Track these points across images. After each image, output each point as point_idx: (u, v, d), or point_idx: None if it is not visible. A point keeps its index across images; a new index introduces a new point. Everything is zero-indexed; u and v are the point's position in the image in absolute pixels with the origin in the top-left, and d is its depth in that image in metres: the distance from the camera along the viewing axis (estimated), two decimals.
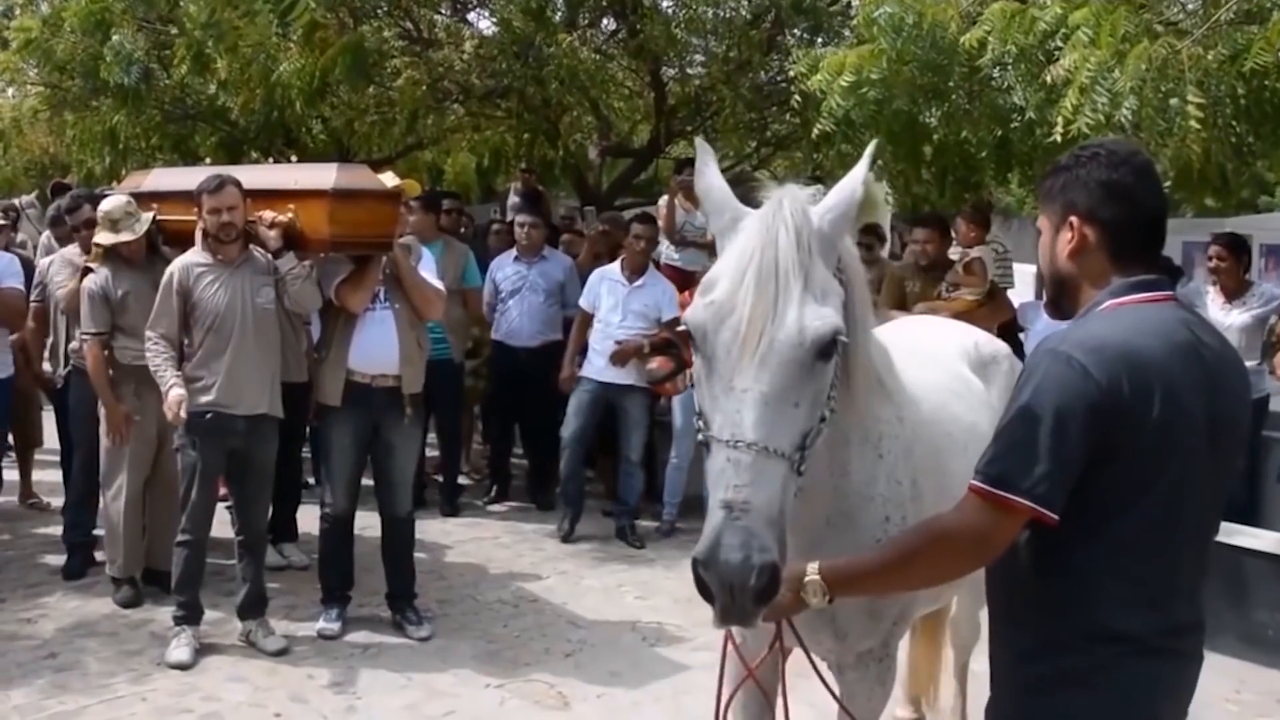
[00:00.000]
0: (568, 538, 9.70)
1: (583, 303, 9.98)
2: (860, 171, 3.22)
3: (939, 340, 5.14)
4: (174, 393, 6.78)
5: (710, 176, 3.27)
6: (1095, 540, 2.86)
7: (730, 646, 3.64)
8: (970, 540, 2.90)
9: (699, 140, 3.42)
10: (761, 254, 2.97)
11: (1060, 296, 3.10)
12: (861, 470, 3.64)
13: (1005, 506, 2.81)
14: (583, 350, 10.00)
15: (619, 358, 9.58)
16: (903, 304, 9.10)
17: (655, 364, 9.48)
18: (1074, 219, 3.00)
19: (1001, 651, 3.10)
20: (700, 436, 2.99)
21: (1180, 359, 2.85)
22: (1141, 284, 2.96)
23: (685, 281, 10.47)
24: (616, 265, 9.97)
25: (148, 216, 7.66)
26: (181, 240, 7.39)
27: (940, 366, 4.70)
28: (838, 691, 4.03)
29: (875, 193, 13.92)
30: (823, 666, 4.08)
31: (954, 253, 9.80)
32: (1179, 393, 2.82)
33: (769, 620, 3.19)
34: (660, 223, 11.72)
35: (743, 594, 2.73)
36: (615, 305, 9.72)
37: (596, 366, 9.74)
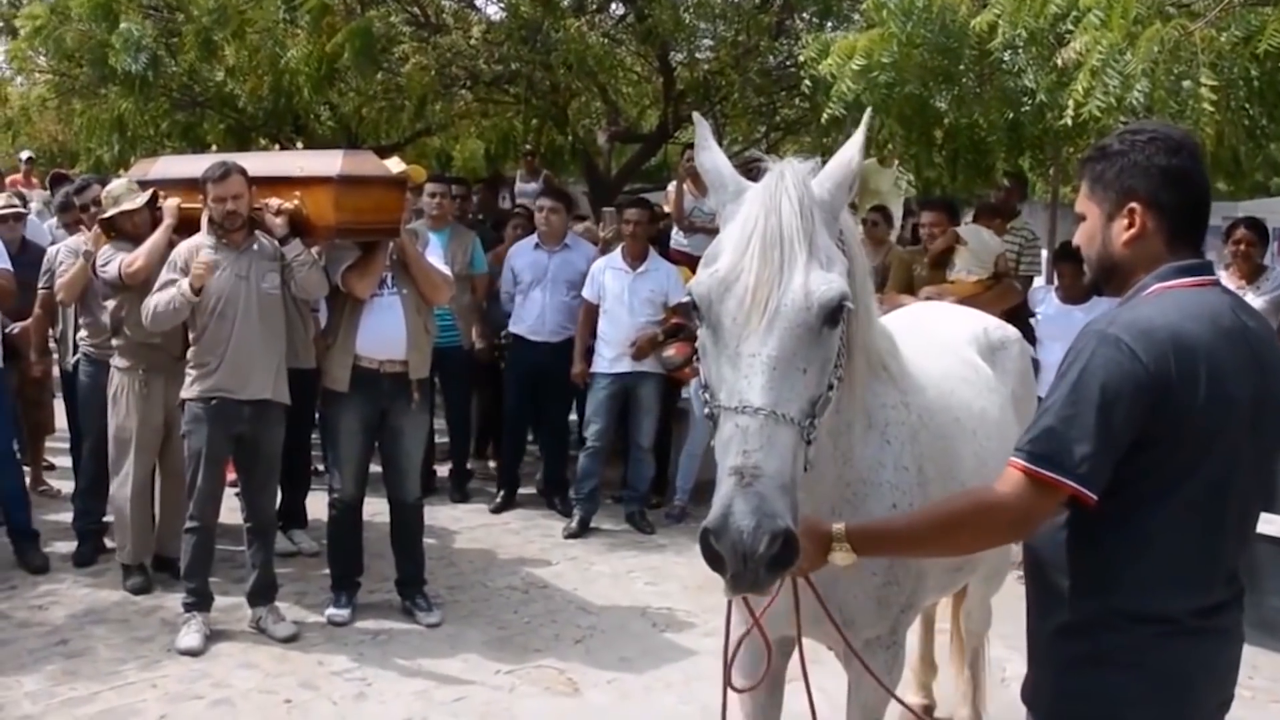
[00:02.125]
0: (575, 535, 9.53)
1: (586, 294, 9.79)
2: (858, 141, 3.22)
3: (947, 326, 5.11)
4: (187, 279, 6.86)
5: (711, 152, 3.25)
6: (1137, 521, 2.88)
7: (735, 601, 3.62)
8: (1008, 515, 2.92)
9: (697, 116, 3.39)
10: (765, 221, 2.97)
11: (1109, 282, 3.12)
12: (865, 457, 3.62)
13: (1047, 484, 2.83)
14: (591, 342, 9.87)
15: (638, 354, 9.49)
16: (910, 289, 9.11)
17: (672, 350, 9.44)
18: (1135, 206, 2.99)
19: (1038, 629, 3.12)
20: (706, 410, 2.99)
21: (1227, 343, 2.87)
22: (1189, 268, 2.98)
23: (695, 266, 10.45)
24: (617, 253, 9.84)
25: (147, 193, 7.72)
26: (189, 227, 7.38)
27: (948, 352, 4.68)
28: (847, 679, 4.02)
29: (880, 179, 13.90)
30: (828, 653, 4.07)
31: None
32: (1225, 377, 2.84)
33: (798, 576, 3.20)
34: (669, 208, 11.67)
35: (755, 561, 2.70)
36: (621, 294, 9.59)
37: (608, 359, 9.62)
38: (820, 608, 3.48)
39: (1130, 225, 3.00)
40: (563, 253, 10.14)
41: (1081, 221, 3.14)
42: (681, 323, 9.30)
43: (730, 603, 3.57)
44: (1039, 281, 11.66)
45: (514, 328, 10.22)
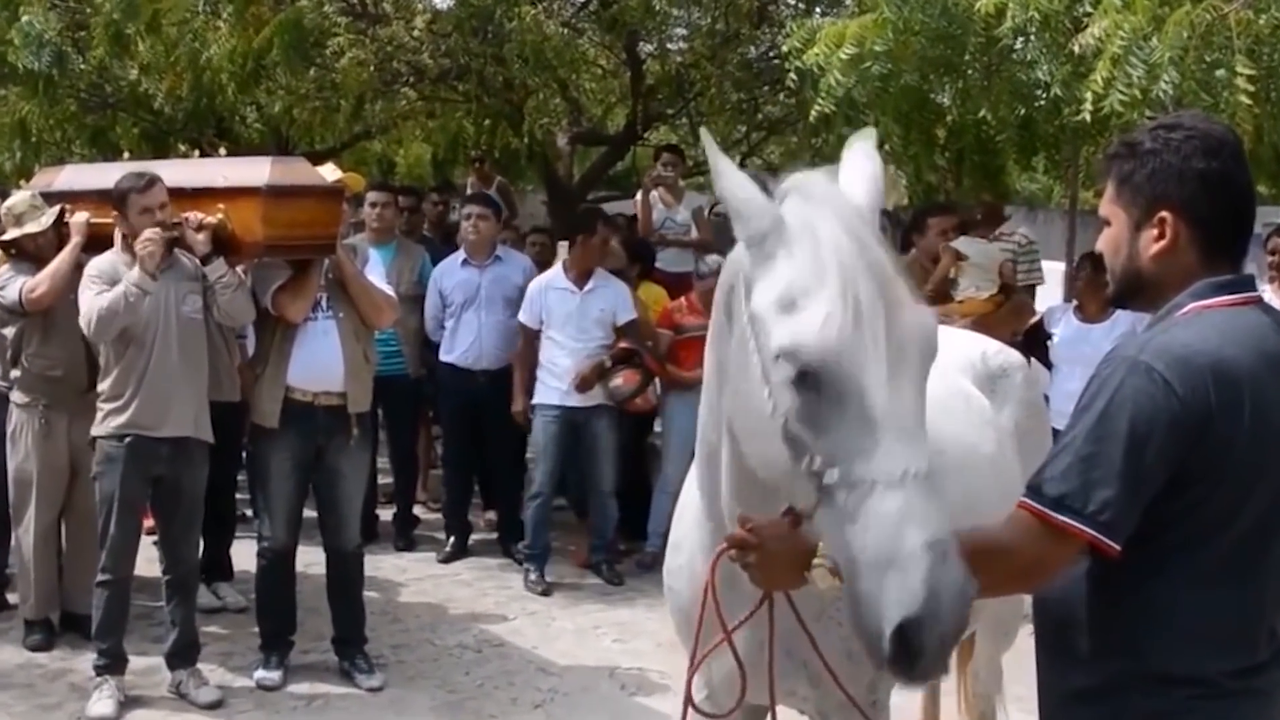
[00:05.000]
0: (540, 586, 9.47)
1: (525, 318, 9.64)
2: (869, 148, 3.18)
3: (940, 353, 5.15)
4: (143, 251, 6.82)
5: (732, 179, 3.02)
6: (1170, 572, 2.85)
7: (690, 708, 3.55)
8: (1017, 563, 2.89)
9: (704, 133, 3.26)
10: (855, 246, 2.82)
11: (1134, 297, 3.09)
12: None
13: (1062, 531, 2.80)
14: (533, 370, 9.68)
15: (583, 385, 9.33)
16: None
17: (620, 380, 9.33)
18: (1166, 215, 2.94)
19: (1051, 691, 3.09)
20: (827, 480, 2.75)
21: (1272, 371, 2.84)
22: (1227, 284, 2.94)
23: (669, 286, 10.49)
24: (558, 271, 9.73)
25: (54, 210, 7.70)
26: (97, 245, 7.38)
27: (934, 379, 4.73)
28: None
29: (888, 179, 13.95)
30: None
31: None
32: (1270, 409, 2.82)
33: (768, 589, 3.16)
34: (638, 221, 11.65)
35: (955, 638, 2.66)
36: (569, 317, 9.44)
37: (554, 390, 9.47)
38: (783, 667, 3.45)
39: (1160, 236, 2.95)
40: (494, 267, 10.08)
41: (1106, 227, 3.10)
42: (631, 347, 9.30)
43: (692, 661, 3.46)
44: (1044, 293, 11.72)
45: (445, 356, 10.15)
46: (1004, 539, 2.90)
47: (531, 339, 9.63)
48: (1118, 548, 2.78)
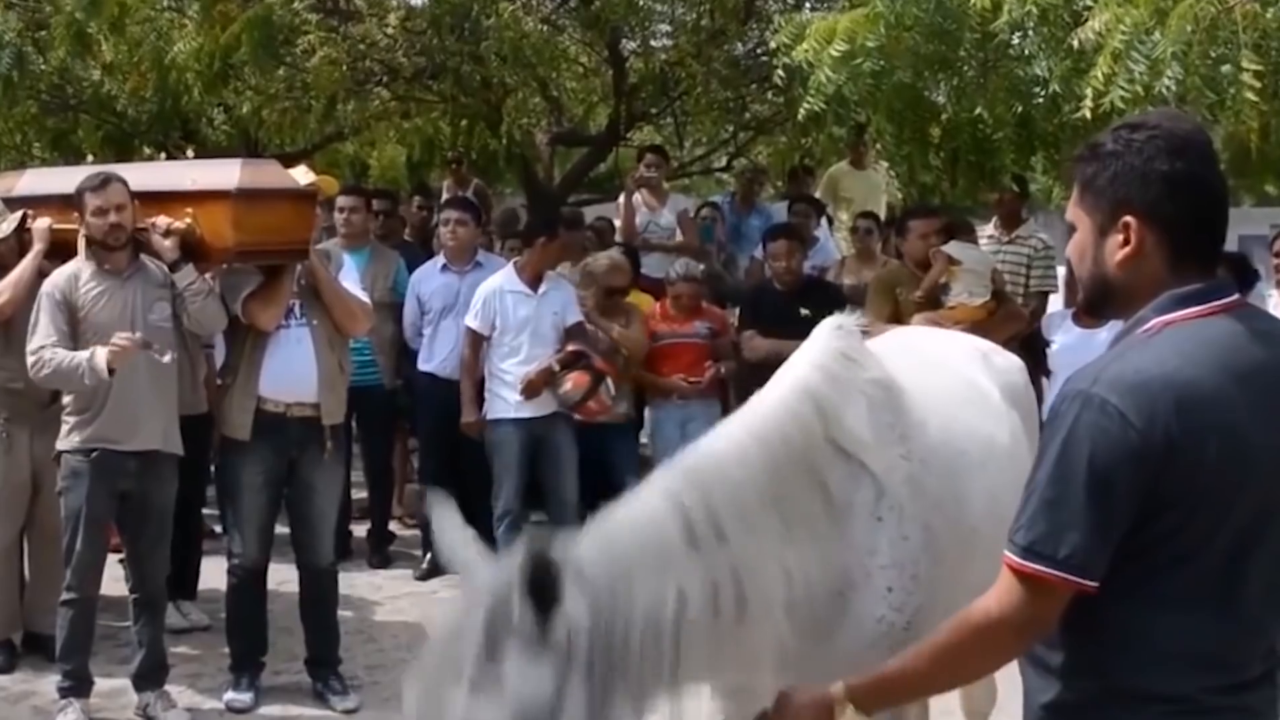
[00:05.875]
0: None
1: (475, 323, 9.44)
2: None
3: (941, 345, 5.16)
4: (105, 350, 6.75)
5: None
6: (1143, 596, 2.85)
7: None
8: (1010, 628, 2.90)
9: None
10: None
11: (1104, 305, 3.06)
12: (856, 547, 3.72)
13: (1040, 581, 2.81)
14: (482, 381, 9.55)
15: (530, 391, 9.13)
16: (897, 317, 8.92)
17: (569, 384, 9.08)
18: (1130, 220, 2.90)
19: (1031, 706, 3.08)
20: None
21: (1241, 385, 2.80)
22: (1194, 295, 2.89)
23: (653, 292, 10.50)
24: (509, 273, 9.57)
25: (16, 216, 7.70)
26: (62, 252, 7.37)
27: (945, 370, 4.73)
28: None
29: (854, 184, 13.97)
30: None
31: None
32: (1242, 427, 2.79)
33: None
34: (619, 224, 11.66)
35: None
36: (526, 322, 9.29)
37: (509, 401, 9.31)
38: None
39: (1126, 242, 2.91)
40: (475, 273, 10.04)
41: (1072, 232, 3.06)
42: (581, 350, 9.20)
43: None
44: (1055, 299, 11.74)
45: (424, 365, 10.13)
46: (990, 610, 2.92)
47: (478, 345, 9.50)
48: (1095, 585, 2.80)
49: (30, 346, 6.96)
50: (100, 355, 6.73)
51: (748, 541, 3.48)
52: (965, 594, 3.18)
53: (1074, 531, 2.75)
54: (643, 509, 3.50)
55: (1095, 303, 3.08)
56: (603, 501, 3.58)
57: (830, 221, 13.49)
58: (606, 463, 9.58)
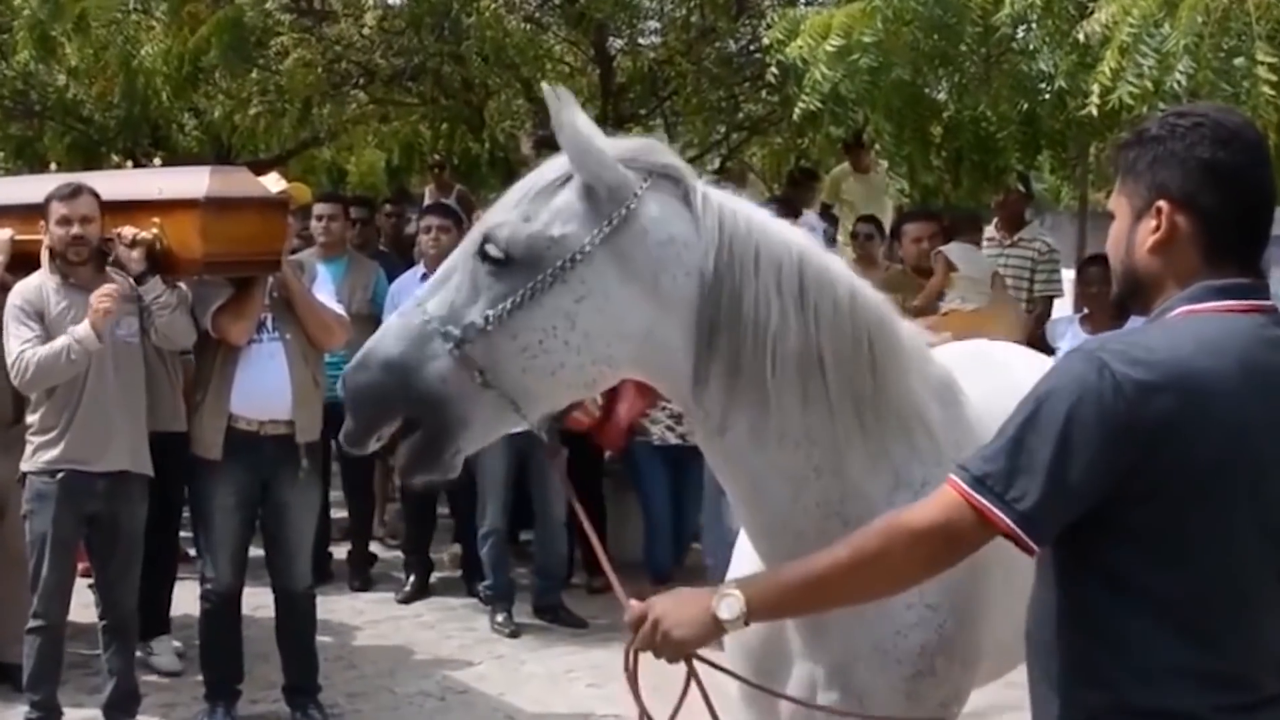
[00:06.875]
0: (507, 628, 9.40)
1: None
2: None
3: (1015, 358, 5.09)
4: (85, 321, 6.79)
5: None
6: (1141, 597, 2.83)
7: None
8: (937, 539, 2.88)
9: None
10: None
11: (1132, 298, 3.04)
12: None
13: (979, 512, 2.80)
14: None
15: None
16: None
17: None
18: (1163, 204, 2.88)
19: (1035, 714, 3.07)
20: None
21: (1256, 388, 2.78)
22: (1227, 289, 2.87)
23: None
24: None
25: None
26: (25, 265, 7.36)
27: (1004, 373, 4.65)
28: None
29: (854, 187, 13.96)
30: None
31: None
32: (1253, 429, 2.77)
33: (671, 660, 3.27)
34: None
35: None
36: None
37: None
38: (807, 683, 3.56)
39: (1157, 227, 2.89)
40: None
41: (1113, 222, 3.07)
42: None
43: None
44: (1060, 305, 11.76)
45: None
46: (926, 513, 2.90)
47: None
48: (1035, 547, 2.80)
49: (9, 354, 6.97)
50: (83, 326, 6.76)
51: None
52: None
53: (1029, 478, 2.75)
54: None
55: (1125, 294, 3.06)
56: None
57: (834, 220, 13.49)
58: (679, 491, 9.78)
